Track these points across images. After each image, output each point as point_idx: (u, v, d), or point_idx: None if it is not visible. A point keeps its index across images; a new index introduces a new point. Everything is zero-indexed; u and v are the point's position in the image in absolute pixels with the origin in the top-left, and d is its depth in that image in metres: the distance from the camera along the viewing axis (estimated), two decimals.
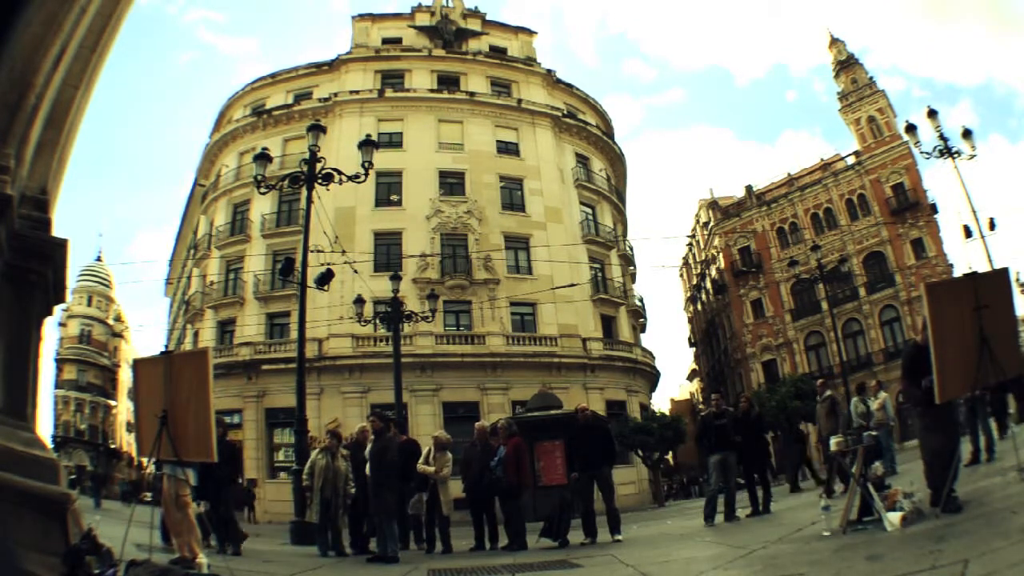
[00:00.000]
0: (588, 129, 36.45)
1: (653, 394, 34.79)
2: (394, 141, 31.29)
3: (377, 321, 21.25)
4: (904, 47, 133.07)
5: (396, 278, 20.59)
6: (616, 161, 38.67)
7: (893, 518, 5.71)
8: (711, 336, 51.32)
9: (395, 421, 12.10)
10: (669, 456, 34.74)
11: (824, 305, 34.04)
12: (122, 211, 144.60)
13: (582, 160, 35.39)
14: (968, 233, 17.26)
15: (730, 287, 44.29)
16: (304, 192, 14.81)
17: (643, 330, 36.41)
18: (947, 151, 16.17)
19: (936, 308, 5.85)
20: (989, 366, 5.53)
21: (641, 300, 35.89)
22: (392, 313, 19.46)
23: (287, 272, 15.53)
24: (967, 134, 16.25)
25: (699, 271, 52.86)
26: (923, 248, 38.03)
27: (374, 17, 36.25)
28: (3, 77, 4.24)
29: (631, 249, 36.34)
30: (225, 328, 30.14)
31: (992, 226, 17.52)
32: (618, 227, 35.77)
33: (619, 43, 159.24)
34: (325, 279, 14.98)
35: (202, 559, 5.98)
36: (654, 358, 33.85)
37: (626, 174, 40.17)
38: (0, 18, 4.21)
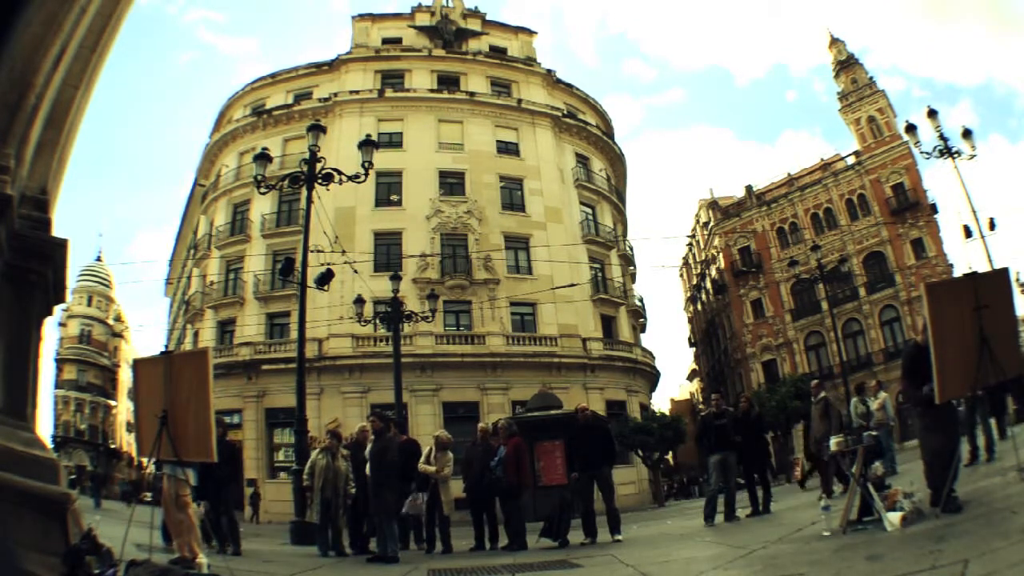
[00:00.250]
0: (588, 129, 36.45)
1: (653, 394, 34.86)
2: (394, 141, 31.29)
3: (377, 321, 21.25)
4: (904, 47, 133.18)
5: (396, 278, 20.59)
6: (616, 161, 38.68)
7: (893, 518, 5.70)
8: (711, 336, 51.31)
9: (396, 421, 12.11)
10: (669, 456, 34.76)
11: (824, 305, 34.04)
12: (122, 211, 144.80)
13: (582, 160, 35.39)
14: (968, 233, 17.25)
15: (730, 287, 44.28)
16: (304, 192, 14.81)
17: (643, 330, 36.43)
18: (947, 151, 16.16)
19: (936, 308, 5.84)
20: (989, 366, 5.52)
21: (641, 300, 35.91)
22: (392, 313, 19.46)
23: (287, 272, 15.53)
24: (967, 134, 16.24)
25: (699, 271, 52.86)
26: (923, 248, 38.04)
27: (374, 17, 36.25)
28: (3, 77, 4.24)
29: (631, 249, 36.37)
30: (225, 328, 30.15)
31: (992, 226, 17.50)
32: (618, 227, 35.77)
33: (619, 43, 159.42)
34: (325, 279, 14.98)
35: (202, 559, 5.98)
36: (654, 358, 33.89)
37: (626, 174, 40.18)
38: (0, 18, 4.21)
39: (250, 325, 28.72)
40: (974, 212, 16.51)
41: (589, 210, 34.16)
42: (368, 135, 18.79)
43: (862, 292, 38.47)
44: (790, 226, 42.79)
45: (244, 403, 26.60)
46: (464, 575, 6.72)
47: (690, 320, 58.59)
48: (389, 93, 32.70)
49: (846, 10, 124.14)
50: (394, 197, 30.61)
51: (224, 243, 31.35)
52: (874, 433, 7.70)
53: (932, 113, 16.30)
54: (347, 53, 34.45)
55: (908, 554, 4.54)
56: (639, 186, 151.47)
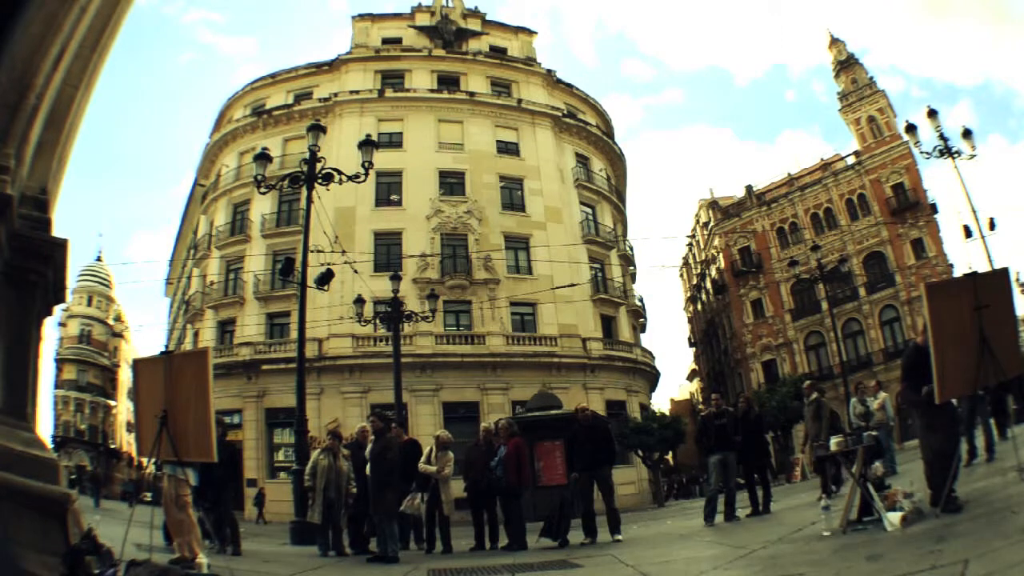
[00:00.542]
0: (588, 129, 36.45)
1: (653, 394, 34.86)
2: (394, 141, 31.29)
3: (377, 321, 21.25)
4: (904, 47, 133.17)
5: (396, 278, 20.59)
6: (616, 161, 38.68)
7: (893, 518, 5.70)
8: (711, 336, 51.30)
9: (397, 421, 12.10)
10: (669, 456, 34.74)
11: (824, 305, 34.04)
12: (122, 211, 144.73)
13: (582, 160, 35.39)
14: (968, 233, 17.24)
15: (730, 287, 44.28)
16: (304, 192, 14.80)
17: (643, 330, 36.43)
18: (947, 151, 16.15)
19: (936, 308, 5.84)
20: (989, 366, 5.52)
21: (641, 300, 35.91)
22: (392, 313, 19.47)
23: (287, 272, 15.52)
24: (967, 134, 16.23)
25: (699, 271, 52.86)
26: (923, 248, 38.04)
27: (374, 17, 36.25)
28: (3, 77, 4.24)
29: (631, 249, 36.36)
30: (225, 328, 30.14)
31: (992, 226, 17.48)
32: (618, 227, 35.77)
33: (618, 43, 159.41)
34: (325, 279, 14.98)
35: (202, 559, 5.98)
36: (654, 358, 33.90)
37: (626, 174, 40.19)
38: (0, 18, 4.20)
39: (250, 325, 28.72)
40: (974, 212, 16.51)
41: (589, 210, 34.15)
42: (368, 135, 18.76)
43: (862, 292, 38.47)
44: (790, 226, 42.79)
45: (244, 403, 26.59)
46: (464, 575, 6.71)
47: (690, 320, 58.60)
48: (389, 93, 32.70)
49: (846, 10, 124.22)
50: (394, 197, 30.61)
51: (224, 243, 31.34)
52: (874, 433, 7.69)
53: (932, 113, 16.28)
54: (347, 53, 34.45)
55: (908, 554, 4.54)
56: (639, 186, 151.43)
